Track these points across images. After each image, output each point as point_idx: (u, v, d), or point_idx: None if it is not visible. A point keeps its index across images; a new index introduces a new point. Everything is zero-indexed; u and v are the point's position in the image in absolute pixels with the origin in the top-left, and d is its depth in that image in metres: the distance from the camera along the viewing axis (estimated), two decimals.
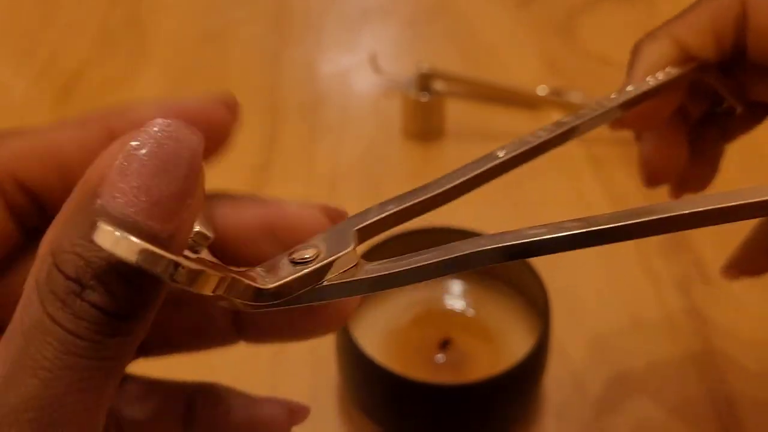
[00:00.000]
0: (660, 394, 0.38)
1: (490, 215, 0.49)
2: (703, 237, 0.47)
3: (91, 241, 0.15)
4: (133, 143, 0.16)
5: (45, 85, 0.60)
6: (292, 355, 0.40)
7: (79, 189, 0.17)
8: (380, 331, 0.38)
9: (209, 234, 0.19)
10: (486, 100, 0.58)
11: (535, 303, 0.37)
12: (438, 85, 0.54)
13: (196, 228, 0.19)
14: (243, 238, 0.21)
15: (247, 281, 0.17)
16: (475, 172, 0.23)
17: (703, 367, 0.39)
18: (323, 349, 0.39)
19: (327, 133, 0.56)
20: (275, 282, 0.18)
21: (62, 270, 0.16)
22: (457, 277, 0.40)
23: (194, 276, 0.16)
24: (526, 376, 0.34)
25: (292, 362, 0.40)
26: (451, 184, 0.22)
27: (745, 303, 0.43)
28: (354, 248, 0.19)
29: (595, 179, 0.51)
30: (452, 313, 0.39)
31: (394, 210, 0.21)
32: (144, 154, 0.16)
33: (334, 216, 0.22)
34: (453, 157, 0.53)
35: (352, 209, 0.55)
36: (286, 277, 0.18)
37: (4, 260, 0.20)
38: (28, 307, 0.16)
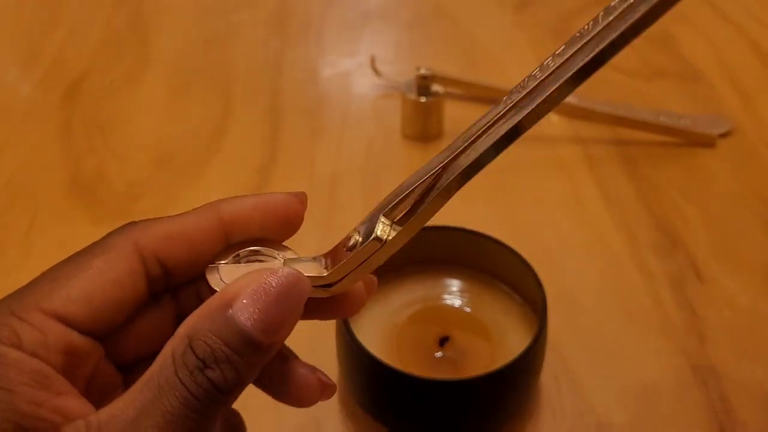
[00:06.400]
0: (655, 390, 0.39)
1: (487, 216, 0.49)
2: (697, 236, 0.47)
3: (218, 336, 0.23)
4: (267, 279, 0.24)
5: (50, 87, 0.61)
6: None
7: (218, 296, 0.24)
8: (380, 328, 0.38)
9: None
10: (484, 102, 0.58)
11: (532, 301, 0.38)
12: (436, 87, 0.54)
13: None
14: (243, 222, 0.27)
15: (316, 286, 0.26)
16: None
17: (697, 364, 0.40)
18: (324, 346, 0.40)
19: (328, 134, 0.56)
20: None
21: (195, 351, 0.23)
22: (456, 276, 0.41)
23: None
24: (522, 372, 0.35)
25: None
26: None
27: (738, 301, 0.43)
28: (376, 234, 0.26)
29: (590, 179, 0.52)
30: (450, 311, 0.39)
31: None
32: (271, 288, 0.24)
33: (300, 199, 0.28)
34: None
35: (352, 208, 0.56)
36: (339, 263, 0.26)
37: (136, 313, 0.27)
38: (164, 369, 0.23)
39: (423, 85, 0.54)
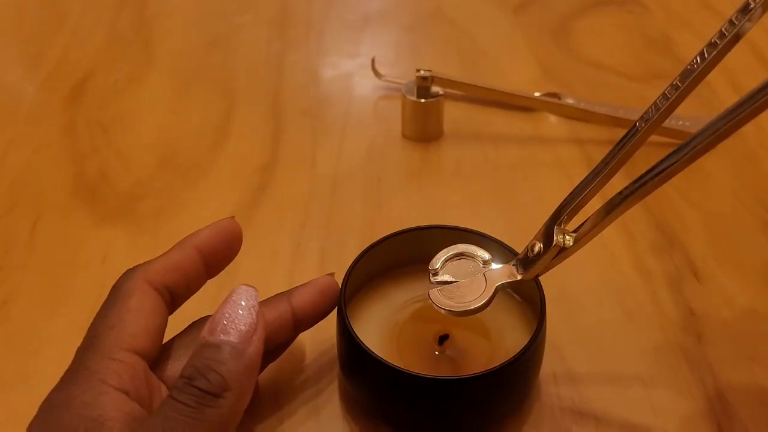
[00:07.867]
0: (653, 390, 0.39)
1: (486, 215, 0.50)
2: (695, 236, 0.48)
3: (200, 355, 0.29)
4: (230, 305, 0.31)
5: (54, 89, 0.61)
6: (295, 351, 0.41)
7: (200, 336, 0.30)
8: (380, 326, 0.39)
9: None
10: (483, 103, 0.59)
11: (531, 300, 0.38)
12: (436, 89, 0.55)
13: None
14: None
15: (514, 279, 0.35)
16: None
17: (695, 363, 0.40)
18: (325, 345, 0.40)
19: (329, 135, 0.57)
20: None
21: (184, 374, 0.29)
22: None
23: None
24: (521, 370, 0.35)
25: (296, 357, 0.41)
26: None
27: (736, 301, 0.44)
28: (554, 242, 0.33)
29: None
30: None
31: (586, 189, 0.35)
32: (232, 308, 0.31)
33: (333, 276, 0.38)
34: (451, 158, 0.54)
35: (352, 208, 0.56)
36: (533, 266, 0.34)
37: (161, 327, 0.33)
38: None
39: (423, 86, 0.54)
